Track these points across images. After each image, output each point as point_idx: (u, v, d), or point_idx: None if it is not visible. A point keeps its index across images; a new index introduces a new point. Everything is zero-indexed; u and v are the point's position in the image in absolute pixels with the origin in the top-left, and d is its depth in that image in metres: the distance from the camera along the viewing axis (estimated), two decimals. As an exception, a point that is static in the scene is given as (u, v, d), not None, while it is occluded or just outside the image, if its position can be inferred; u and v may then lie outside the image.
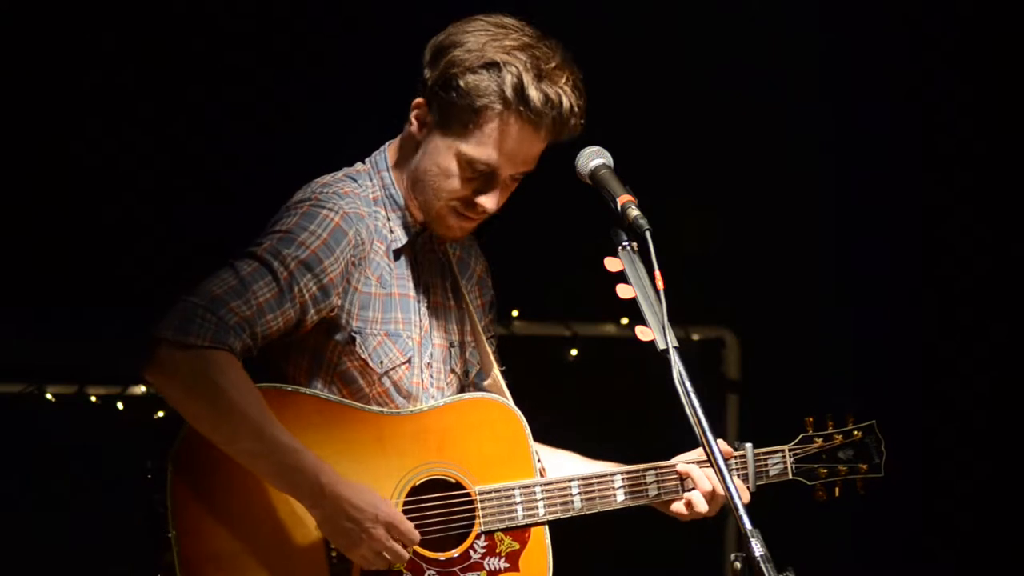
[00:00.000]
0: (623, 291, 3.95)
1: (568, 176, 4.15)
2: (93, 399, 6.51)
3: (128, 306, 6.15)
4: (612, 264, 3.97)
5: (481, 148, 4.10)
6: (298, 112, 6.28)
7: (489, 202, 4.14)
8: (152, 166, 6.25)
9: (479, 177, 4.13)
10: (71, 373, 6.46)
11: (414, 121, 4.16)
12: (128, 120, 6.23)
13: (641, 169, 4.18)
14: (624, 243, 3.98)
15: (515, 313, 6.78)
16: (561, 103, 4.09)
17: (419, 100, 4.15)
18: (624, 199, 4.00)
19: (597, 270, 3.98)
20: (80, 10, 6.15)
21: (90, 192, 6.24)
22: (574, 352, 7.04)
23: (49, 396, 6.45)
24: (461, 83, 4.07)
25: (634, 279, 3.94)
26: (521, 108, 4.07)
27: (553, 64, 4.10)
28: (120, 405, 6.51)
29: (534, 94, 4.06)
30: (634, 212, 3.96)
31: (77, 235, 6.25)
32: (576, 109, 4.12)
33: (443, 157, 4.13)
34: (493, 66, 4.07)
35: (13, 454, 6.24)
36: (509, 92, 4.07)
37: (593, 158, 4.10)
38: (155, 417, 6.47)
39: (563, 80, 4.10)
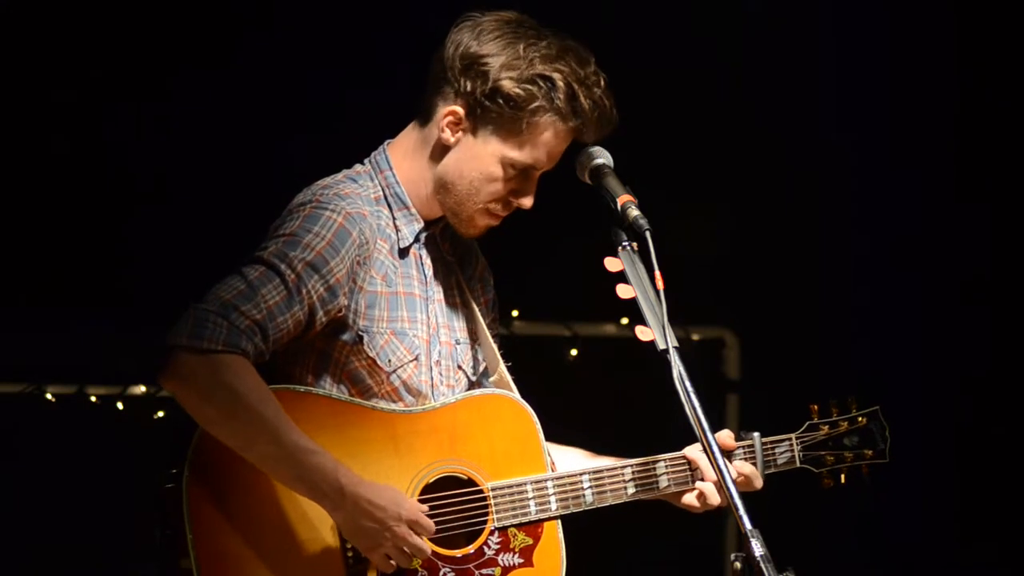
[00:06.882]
0: (623, 291, 3.96)
1: (568, 176, 4.16)
2: (93, 399, 6.50)
3: (128, 306, 6.16)
4: (612, 264, 3.98)
5: (529, 153, 4.15)
6: (296, 113, 6.28)
7: (529, 201, 4.21)
8: (153, 167, 6.25)
9: (516, 177, 4.18)
10: (71, 373, 6.45)
11: (446, 128, 4.18)
12: (128, 120, 6.22)
13: (641, 169, 4.19)
14: (624, 243, 4.00)
15: (515, 313, 6.78)
16: (604, 107, 4.15)
17: (454, 108, 4.17)
18: (624, 199, 4.03)
19: (597, 270, 3.98)
20: (77, 7, 6.16)
21: (90, 192, 6.24)
22: (574, 352, 7.04)
23: (49, 396, 6.45)
24: (511, 94, 4.11)
25: (634, 279, 3.95)
26: (571, 119, 4.13)
27: (591, 68, 4.17)
28: (120, 405, 6.51)
29: (584, 104, 4.12)
30: (634, 212, 4.00)
31: (77, 235, 6.25)
32: (615, 111, 4.18)
33: (485, 163, 4.16)
34: (543, 78, 4.11)
35: (13, 454, 6.24)
36: (562, 103, 4.12)
37: (593, 158, 4.13)
38: (155, 417, 6.47)
39: (601, 83, 4.17)
